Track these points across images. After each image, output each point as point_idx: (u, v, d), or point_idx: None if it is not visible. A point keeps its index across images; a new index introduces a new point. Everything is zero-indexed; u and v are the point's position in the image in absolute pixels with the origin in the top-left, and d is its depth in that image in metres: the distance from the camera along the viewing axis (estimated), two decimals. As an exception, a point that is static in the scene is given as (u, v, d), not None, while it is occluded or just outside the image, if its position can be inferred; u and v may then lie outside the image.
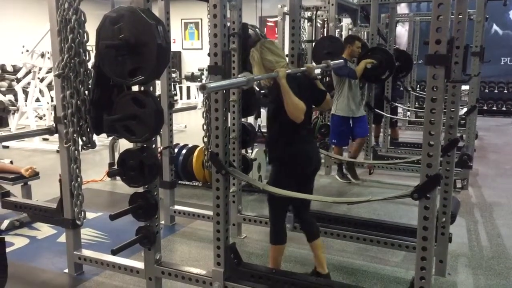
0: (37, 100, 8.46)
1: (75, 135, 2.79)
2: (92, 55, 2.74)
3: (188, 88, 13.79)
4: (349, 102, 5.04)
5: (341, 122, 5.11)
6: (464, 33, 2.81)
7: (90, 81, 2.73)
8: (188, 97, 13.80)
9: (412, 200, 2.04)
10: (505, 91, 11.76)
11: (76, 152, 2.84)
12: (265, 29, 13.90)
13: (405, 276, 3.06)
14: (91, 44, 2.50)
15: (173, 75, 12.86)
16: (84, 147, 2.85)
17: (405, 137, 8.12)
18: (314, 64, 4.79)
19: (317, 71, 3.15)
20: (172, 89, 11.30)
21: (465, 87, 6.92)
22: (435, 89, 1.92)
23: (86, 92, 2.74)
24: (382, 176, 5.66)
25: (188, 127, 9.51)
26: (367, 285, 2.97)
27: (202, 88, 1.92)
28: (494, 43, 11.50)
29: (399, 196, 2.14)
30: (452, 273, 3.13)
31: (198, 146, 5.00)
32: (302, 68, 2.76)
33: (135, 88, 2.52)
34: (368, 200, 2.36)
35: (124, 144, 2.59)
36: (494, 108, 11.74)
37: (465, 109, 5.44)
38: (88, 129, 2.79)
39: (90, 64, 2.80)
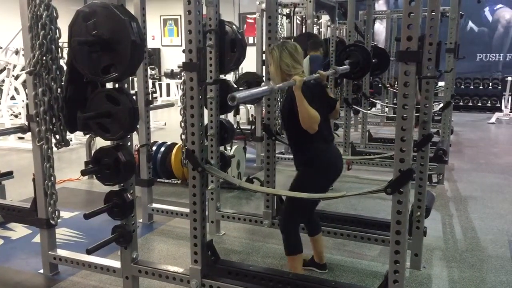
0: (13, 98, 8.29)
1: (48, 133, 2.73)
2: (65, 51, 2.70)
3: (168, 85, 13.69)
4: None
5: None
6: (437, 30, 2.85)
7: (63, 78, 2.68)
8: (168, 94, 13.70)
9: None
10: (481, 87, 12.00)
11: (49, 150, 2.79)
12: (245, 25, 13.89)
13: (382, 269, 3.11)
14: (64, 40, 2.46)
15: (152, 72, 12.75)
16: (58, 145, 2.79)
17: (383, 133, 8.24)
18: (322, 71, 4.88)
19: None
20: (150, 86, 11.23)
21: (441, 83, 7.09)
22: (406, 85, 1.94)
23: (59, 89, 2.69)
24: (360, 171, 5.72)
25: (168, 124, 9.45)
26: (344, 279, 3.00)
27: (232, 99, 1.91)
28: (470, 40, 11.74)
29: (373, 191, 2.16)
30: (427, 266, 3.19)
31: (176, 144, 4.97)
32: (315, 75, 2.75)
33: (110, 85, 2.50)
34: (342, 195, 2.38)
35: (101, 142, 2.56)
36: (470, 104, 11.99)
37: (441, 105, 5.53)
38: (62, 127, 2.74)
39: (62, 61, 2.75)
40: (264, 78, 3.36)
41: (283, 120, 2.79)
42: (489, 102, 11.85)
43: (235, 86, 4.01)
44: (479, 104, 11.94)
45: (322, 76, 2.77)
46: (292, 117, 2.57)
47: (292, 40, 5.60)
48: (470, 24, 12.27)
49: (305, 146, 2.68)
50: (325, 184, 2.79)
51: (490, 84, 11.94)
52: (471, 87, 12.05)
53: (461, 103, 11.82)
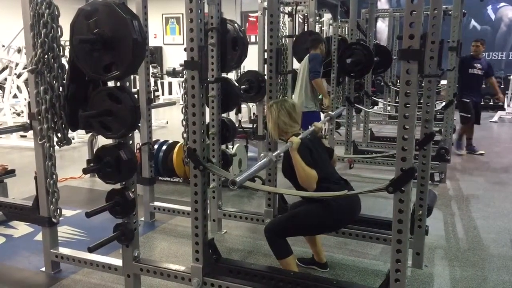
0: (15, 96, 8.31)
1: (49, 131, 2.74)
2: (67, 50, 2.70)
3: (170, 83, 13.69)
4: (314, 98, 5.17)
5: (314, 116, 5.16)
6: (440, 28, 2.85)
7: (65, 76, 2.69)
8: (170, 92, 13.71)
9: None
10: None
11: (51, 149, 2.79)
12: (247, 24, 13.88)
13: (383, 268, 3.10)
14: (66, 39, 2.45)
15: (154, 70, 12.74)
16: (59, 144, 2.79)
17: (385, 132, 8.22)
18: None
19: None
20: (152, 85, 11.22)
21: (444, 82, 7.10)
22: (408, 84, 1.94)
23: (61, 87, 2.69)
24: (362, 170, 5.71)
25: (170, 123, 9.45)
26: (345, 278, 3.00)
27: (233, 183, 1.96)
28: (472, 38, 11.66)
29: (375, 190, 2.16)
30: (429, 265, 3.18)
31: (178, 142, 4.97)
32: (310, 129, 2.83)
33: (112, 83, 2.50)
34: (344, 194, 2.38)
35: (103, 141, 2.57)
36: (473, 103, 11.93)
37: (443, 104, 5.52)
38: (63, 125, 2.74)
39: (64, 60, 2.75)
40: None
41: (286, 177, 2.83)
42: (491, 101, 11.80)
43: (236, 84, 4.00)
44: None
45: (318, 129, 2.88)
46: (292, 174, 2.64)
47: (294, 38, 5.60)
48: (473, 22, 12.25)
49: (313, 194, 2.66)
50: (332, 225, 2.78)
51: (493, 82, 11.88)
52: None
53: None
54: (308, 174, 2.55)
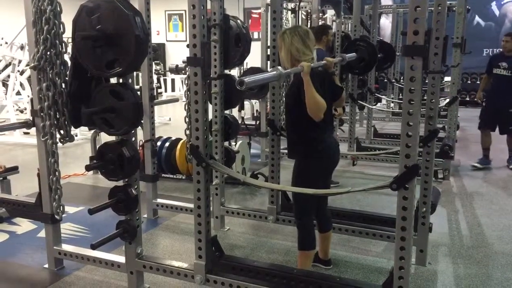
0: (18, 93, 8.32)
1: (52, 128, 2.74)
2: (69, 46, 2.70)
3: (173, 80, 13.69)
4: None
5: None
6: (444, 24, 2.82)
7: (67, 73, 2.68)
8: (173, 89, 13.70)
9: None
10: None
11: (53, 145, 2.79)
12: (250, 20, 13.84)
13: (386, 265, 3.09)
14: (68, 35, 2.45)
15: (157, 67, 12.75)
16: (62, 141, 2.79)
17: (389, 129, 8.20)
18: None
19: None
20: (155, 82, 11.20)
21: (448, 78, 6.99)
22: (413, 80, 1.92)
23: (63, 84, 2.69)
24: (365, 167, 5.70)
25: (173, 119, 9.45)
26: (348, 275, 2.99)
27: (241, 83, 1.90)
28: (477, 34, 11.63)
29: (378, 187, 2.15)
30: (432, 262, 3.17)
31: (181, 139, 4.97)
32: (322, 62, 2.71)
33: (114, 80, 2.49)
34: (348, 191, 2.37)
35: (106, 137, 2.56)
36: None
37: (447, 100, 5.49)
38: (66, 122, 2.74)
39: (67, 56, 2.75)
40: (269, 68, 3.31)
41: (287, 105, 2.75)
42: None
43: (236, 80, 3.98)
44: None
45: (329, 63, 2.73)
46: (297, 103, 2.54)
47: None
48: (477, 18, 12.17)
49: (305, 134, 2.65)
50: (323, 173, 2.77)
51: (497, 79, 11.83)
52: (478, 82, 11.93)
53: (467, 99, 11.72)
54: (318, 101, 2.44)
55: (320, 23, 6.43)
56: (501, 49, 5.86)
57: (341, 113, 5.16)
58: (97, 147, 3.03)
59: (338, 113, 5.00)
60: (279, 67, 2.17)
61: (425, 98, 2.98)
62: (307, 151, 2.67)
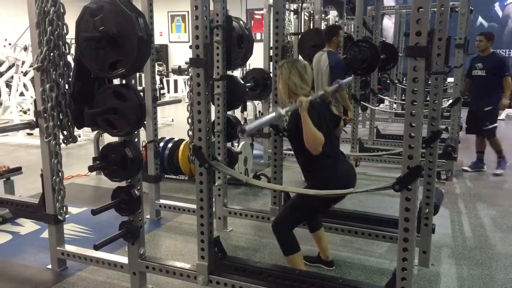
0: (21, 94, 8.35)
1: (55, 129, 2.74)
2: (73, 47, 2.71)
3: (176, 81, 13.71)
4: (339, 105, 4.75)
5: None
6: (447, 25, 2.82)
7: (71, 74, 2.69)
8: (176, 90, 13.72)
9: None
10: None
11: (57, 146, 2.80)
12: (252, 21, 13.86)
13: (389, 267, 3.09)
14: (72, 36, 2.46)
15: (160, 68, 12.76)
16: (65, 141, 2.80)
17: (392, 130, 8.19)
18: (326, 87, 4.54)
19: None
20: (158, 83, 11.22)
21: (450, 79, 6.96)
22: (415, 81, 1.92)
23: (66, 85, 2.69)
24: (368, 168, 5.69)
25: (175, 120, 9.46)
26: (351, 276, 2.99)
27: (242, 131, 1.92)
28: (480, 35, 11.58)
29: (381, 188, 2.14)
30: (435, 263, 3.16)
31: (184, 140, 4.97)
32: (320, 93, 2.75)
33: (117, 81, 2.50)
34: (350, 192, 2.37)
35: (109, 138, 2.57)
36: (480, 100, 11.84)
37: (450, 101, 5.48)
38: (69, 123, 2.75)
39: (70, 57, 2.75)
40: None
41: (289, 139, 2.80)
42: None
43: (242, 82, 3.99)
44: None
45: (327, 94, 2.79)
46: (298, 137, 2.58)
47: (300, 36, 5.58)
48: (480, 19, 12.15)
49: (313, 163, 2.67)
50: (330, 201, 2.76)
51: (500, 80, 11.79)
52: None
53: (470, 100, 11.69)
54: (316, 136, 2.48)
55: (323, 24, 6.44)
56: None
57: (352, 118, 5.13)
58: (100, 148, 3.05)
59: (349, 118, 4.95)
60: (279, 108, 2.21)
61: (428, 99, 2.98)
62: (316, 180, 2.67)
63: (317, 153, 2.51)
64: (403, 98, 9.92)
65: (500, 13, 12.14)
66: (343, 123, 2.95)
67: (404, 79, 10.41)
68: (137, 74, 2.67)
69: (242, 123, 4.82)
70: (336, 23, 6.02)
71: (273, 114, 2.17)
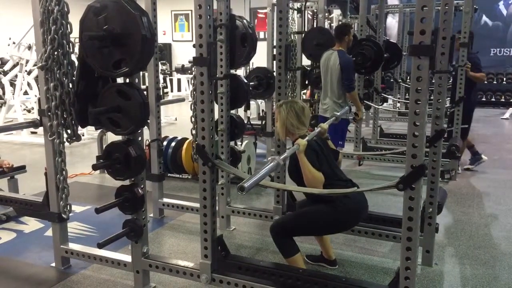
0: (25, 93, 8.37)
1: (59, 128, 2.75)
2: (77, 46, 2.71)
3: (179, 80, 13.72)
4: (345, 106, 4.57)
5: (347, 125, 4.87)
6: (451, 24, 2.81)
7: (75, 73, 2.70)
8: (179, 89, 13.74)
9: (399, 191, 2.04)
10: (495, 82, 11.83)
11: (61, 145, 2.81)
12: (256, 20, 13.84)
13: (393, 266, 3.08)
14: (75, 35, 2.46)
15: (163, 67, 12.78)
16: (69, 140, 2.81)
17: (395, 129, 8.17)
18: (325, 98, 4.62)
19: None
20: (162, 81, 11.21)
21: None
22: (419, 80, 1.91)
23: (70, 84, 2.70)
24: (371, 167, 5.68)
25: (179, 119, 9.47)
26: (354, 276, 2.98)
27: (241, 189, 1.94)
28: (484, 34, 11.55)
29: (385, 187, 2.14)
30: (439, 263, 3.16)
31: (187, 139, 4.97)
32: (316, 130, 2.83)
33: (121, 80, 2.50)
34: (353, 191, 2.37)
35: (113, 137, 2.58)
36: (483, 99, 11.81)
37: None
38: (73, 122, 2.75)
39: (74, 56, 2.76)
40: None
41: (292, 178, 2.84)
42: (503, 98, 11.68)
43: (245, 81, 3.99)
44: (493, 99, 11.77)
45: (323, 131, 2.86)
46: (299, 177, 2.64)
47: (303, 35, 5.57)
48: (484, 18, 12.09)
49: (317, 199, 2.71)
50: (338, 226, 2.77)
51: (504, 79, 11.76)
52: (485, 82, 11.86)
53: (474, 98, 11.66)
54: (315, 177, 2.56)
55: (326, 23, 6.42)
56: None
57: (362, 117, 5.10)
58: (104, 146, 3.06)
59: (359, 118, 4.94)
60: (276, 157, 2.22)
61: (431, 98, 2.97)
62: (328, 210, 2.66)
63: (318, 192, 2.55)
64: (406, 97, 9.89)
65: (504, 12, 12.08)
66: (341, 158, 3.01)
67: (408, 78, 10.39)
68: (141, 73, 2.68)
69: (246, 122, 4.82)
70: (347, 22, 5.97)
71: (272, 164, 2.20)
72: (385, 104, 9.21)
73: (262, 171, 2.13)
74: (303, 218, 2.73)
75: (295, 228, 2.72)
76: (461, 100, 5.16)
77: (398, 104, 9.67)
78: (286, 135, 2.81)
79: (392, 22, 11.65)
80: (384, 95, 8.01)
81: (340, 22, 8.00)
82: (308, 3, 6.21)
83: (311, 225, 2.68)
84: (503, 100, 11.62)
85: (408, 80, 10.11)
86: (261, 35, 12.23)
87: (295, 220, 2.77)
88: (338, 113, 3.48)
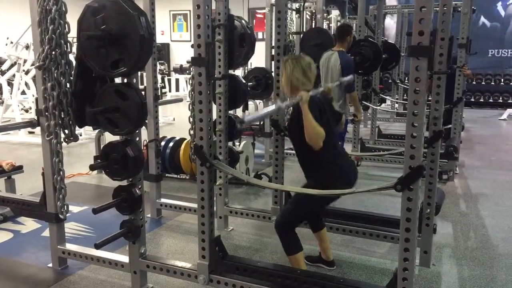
0: (23, 92, 8.35)
1: (57, 128, 2.74)
2: (74, 46, 2.70)
3: (177, 80, 13.71)
4: (344, 106, 4.58)
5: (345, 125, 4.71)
6: (449, 25, 2.81)
7: (72, 72, 2.69)
8: (177, 89, 13.72)
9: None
10: (492, 83, 11.87)
11: (58, 145, 2.80)
12: (254, 20, 13.85)
13: (390, 267, 3.08)
14: (73, 35, 2.46)
15: (162, 67, 12.77)
16: (67, 140, 2.80)
17: (393, 129, 8.18)
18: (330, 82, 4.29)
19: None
20: (160, 82, 11.20)
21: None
22: (418, 81, 1.91)
23: (68, 84, 2.69)
24: (369, 168, 5.68)
25: (177, 119, 9.46)
26: (352, 276, 2.98)
27: (241, 122, 1.92)
28: (482, 35, 11.58)
29: (383, 188, 2.14)
30: (436, 263, 3.16)
31: (185, 139, 4.97)
32: (320, 89, 2.76)
33: (119, 80, 2.50)
34: (352, 192, 2.37)
35: (110, 137, 2.57)
36: (481, 100, 11.86)
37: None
38: (70, 122, 2.74)
39: (72, 56, 2.75)
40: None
41: (290, 135, 2.80)
42: (500, 98, 11.72)
43: (244, 81, 3.99)
44: (491, 100, 11.81)
45: (328, 90, 2.80)
46: (299, 132, 2.58)
47: (302, 35, 5.57)
48: (482, 19, 12.13)
49: (313, 159, 2.67)
50: (328, 200, 2.78)
51: (502, 80, 11.80)
52: (483, 83, 11.91)
53: (472, 99, 11.70)
54: (317, 131, 2.48)
55: (325, 23, 6.42)
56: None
57: (361, 118, 5.07)
58: (102, 146, 3.05)
59: (357, 119, 4.91)
60: (279, 101, 2.18)
61: (429, 99, 2.97)
62: (317, 177, 2.67)
63: (318, 148, 2.51)
64: (405, 97, 9.91)
65: (502, 13, 12.12)
66: (344, 119, 2.95)
67: (406, 78, 10.40)
68: (139, 73, 2.67)
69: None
70: (348, 23, 5.96)
71: (273, 106, 2.16)
72: (383, 105, 9.22)
73: (263, 111, 2.11)
74: (300, 196, 2.70)
75: (297, 211, 2.71)
76: (460, 101, 5.17)
77: (396, 105, 9.68)
78: (291, 91, 2.70)
79: (391, 23, 11.67)
80: (382, 95, 8.02)
81: (338, 23, 8.02)
82: (306, 4, 6.21)
83: (310, 200, 2.63)
84: (500, 101, 11.66)
85: (406, 81, 10.13)
86: (260, 35, 12.22)
87: (294, 203, 2.76)
88: (344, 79, 3.34)
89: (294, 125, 2.66)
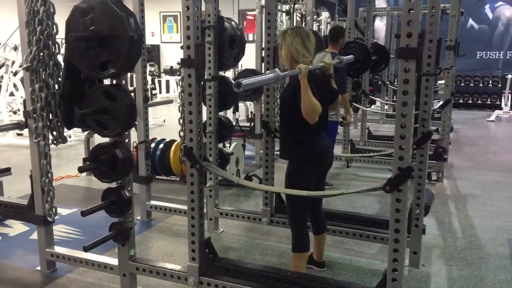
0: (11, 94, 8.27)
1: (45, 129, 2.72)
2: (63, 47, 2.68)
3: (167, 82, 13.66)
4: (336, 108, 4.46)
5: (336, 126, 4.74)
6: (437, 27, 2.84)
7: (60, 74, 2.67)
8: (167, 91, 13.67)
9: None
10: (481, 85, 11.99)
11: (46, 147, 2.77)
12: (245, 22, 13.85)
13: (380, 267, 3.09)
14: (62, 36, 2.44)
15: (152, 68, 12.70)
16: (55, 142, 2.77)
17: (383, 131, 8.22)
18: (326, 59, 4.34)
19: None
20: (150, 83, 11.15)
21: (441, 81, 7.00)
22: (406, 82, 1.93)
23: (56, 85, 2.67)
24: (359, 169, 5.70)
25: (167, 121, 9.43)
26: (342, 277, 2.99)
27: (238, 85, 1.89)
28: (470, 37, 11.70)
29: (372, 189, 2.15)
30: (426, 264, 3.18)
31: (175, 141, 4.95)
32: (320, 64, 2.71)
33: (108, 81, 2.48)
34: (341, 193, 2.37)
35: (100, 139, 2.55)
36: (470, 102, 11.97)
37: (441, 103, 5.52)
38: (59, 124, 2.72)
39: (60, 57, 2.73)
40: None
41: (281, 107, 2.74)
42: (489, 100, 11.84)
43: (233, 83, 3.98)
44: (479, 102, 11.93)
45: (328, 66, 2.73)
46: (292, 105, 2.54)
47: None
48: (471, 21, 12.25)
49: (298, 136, 2.65)
50: (315, 175, 2.76)
51: (490, 82, 11.92)
52: (471, 84, 12.02)
53: (461, 101, 11.80)
54: (314, 104, 2.44)
55: (315, 25, 6.44)
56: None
57: (351, 121, 4.96)
58: (91, 148, 3.03)
59: (347, 121, 4.69)
60: (277, 69, 2.15)
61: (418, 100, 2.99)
62: (300, 152, 2.67)
63: (313, 123, 2.49)
64: (394, 99, 9.98)
65: (490, 15, 12.25)
66: (339, 99, 2.90)
67: (396, 80, 10.47)
68: (129, 74, 2.66)
69: (234, 124, 4.81)
70: (341, 25, 5.96)
71: (271, 74, 2.12)
72: (373, 106, 9.28)
73: (261, 77, 2.09)
74: (292, 177, 2.69)
75: (298, 205, 2.70)
76: (448, 102, 5.21)
77: (386, 106, 9.74)
78: (291, 63, 2.65)
79: (380, 25, 11.74)
80: (372, 97, 8.07)
81: (328, 25, 8.05)
82: (296, 6, 6.22)
83: (300, 186, 2.59)
84: (489, 102, 11.78)
85: (395, 83, 10.21)
86: (250, 37, 12.24)
87: (291, 201, 2.74)
88: (345, 58, 3.25)
89: (288, 96, 2.62)
